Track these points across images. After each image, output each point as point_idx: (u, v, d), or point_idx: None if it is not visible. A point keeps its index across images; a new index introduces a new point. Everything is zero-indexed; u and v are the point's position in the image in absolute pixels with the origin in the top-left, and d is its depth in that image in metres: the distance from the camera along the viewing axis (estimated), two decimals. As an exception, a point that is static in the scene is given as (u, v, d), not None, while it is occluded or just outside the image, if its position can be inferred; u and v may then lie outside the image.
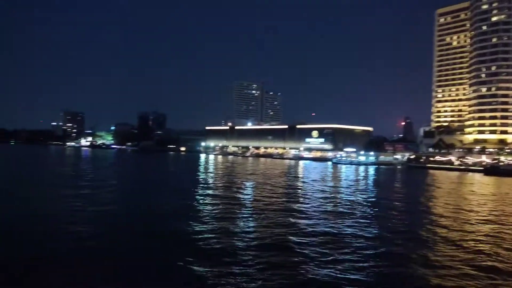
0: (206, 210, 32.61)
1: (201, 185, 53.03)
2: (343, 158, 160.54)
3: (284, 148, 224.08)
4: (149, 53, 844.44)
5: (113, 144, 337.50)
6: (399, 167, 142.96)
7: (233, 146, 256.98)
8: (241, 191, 46.86)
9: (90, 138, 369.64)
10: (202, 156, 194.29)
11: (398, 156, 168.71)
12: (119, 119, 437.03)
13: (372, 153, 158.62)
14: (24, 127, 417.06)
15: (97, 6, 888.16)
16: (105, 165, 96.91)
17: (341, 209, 35.07)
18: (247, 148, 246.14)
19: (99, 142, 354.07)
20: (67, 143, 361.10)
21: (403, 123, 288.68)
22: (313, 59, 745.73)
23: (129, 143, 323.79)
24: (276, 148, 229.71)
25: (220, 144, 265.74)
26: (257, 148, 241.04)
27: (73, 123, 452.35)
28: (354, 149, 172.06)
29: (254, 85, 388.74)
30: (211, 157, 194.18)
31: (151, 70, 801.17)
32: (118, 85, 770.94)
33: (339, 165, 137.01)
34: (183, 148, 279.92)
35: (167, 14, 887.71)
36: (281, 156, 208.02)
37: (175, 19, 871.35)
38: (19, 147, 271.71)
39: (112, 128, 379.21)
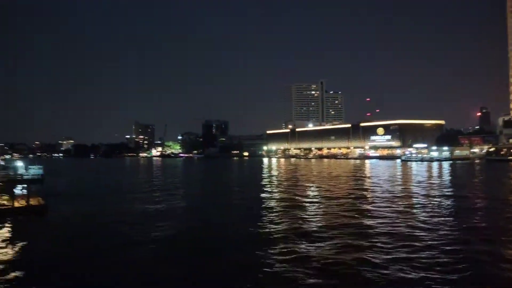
0: (273, 219, 32.72)
1: (268, 189, 53.44)
2: (413, 155, 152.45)
3: (348, 148, 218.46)
4: (207, 60, 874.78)
5: (181, 153, 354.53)
6: (477, 161, 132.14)
7: (295, 149, 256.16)
8: (307, 193, 46.41)
9: (160, 149, 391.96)
10: (265, 160, 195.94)
11: (476, 150, 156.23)
12: (185, 128, 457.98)
13: (445, 148, 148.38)
14: (101, 141, 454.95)
15: (162, 23, 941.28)
16: (177, 172, 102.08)
17: (416, 218, 33.16)
18: (309, 149, 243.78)
19: (168, 151, 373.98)
20: (140, 154, 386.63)
21: (479, 114, 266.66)
22: (376, 56, 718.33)
23: (195, 151, 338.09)
24: (339, 148, 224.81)
25: (282, 147, 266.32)
26: (320, 149, 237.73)
27: (144, 135, 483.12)
28: (425, 145, 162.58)
29: (313, 86, 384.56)
30: (274, 160, 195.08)
31: (210, 78, 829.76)
32: (182, 95, 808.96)
33: (409, 163, 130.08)
34: (246, 153, 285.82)
35: (225, 19, 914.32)
36: (345, 156, 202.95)
37: (232, 24, 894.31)
38: (99, 160, 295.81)
39: (179, 137, 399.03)
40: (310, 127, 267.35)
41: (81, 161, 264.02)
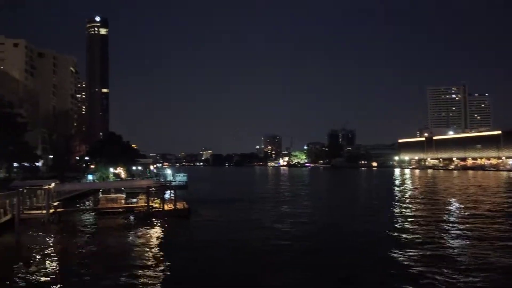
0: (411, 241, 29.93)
1: (407, 207, 49.52)
2: None
3: (499, 158, 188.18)
4: (331, 67, 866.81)
5: (306, 163, 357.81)
6: None
7: (432, 159, 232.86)
8: (452, 214, 41.30)
9: (286, 158, 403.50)
10: (397, 171, 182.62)
11: None
12: (311, 138, 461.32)
13: None
14: (234, 151, 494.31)
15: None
16: (304, 181, 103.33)
17: None
18: (450, 160, 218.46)
19: (295, 161, 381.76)
20: (268, 164, 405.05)
21: None
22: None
23: (321, 161, 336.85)
24: (487, 158, 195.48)
25: (416, 157, 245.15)
26: (463, 159, 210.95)
27: (272, 145, 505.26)
28: None
29: (454, 89, 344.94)
30: (407, 171, 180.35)
31: (335, 86, 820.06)
32: (307, 104, 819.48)
33: None
34: (374, 164, 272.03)
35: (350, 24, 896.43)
36: (495, 168, 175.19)
37: (361, 24, 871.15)
38: (232, 169, 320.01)
39: (305, 147, 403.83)
40: (451, 134, 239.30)
41: (218, 169, 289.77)
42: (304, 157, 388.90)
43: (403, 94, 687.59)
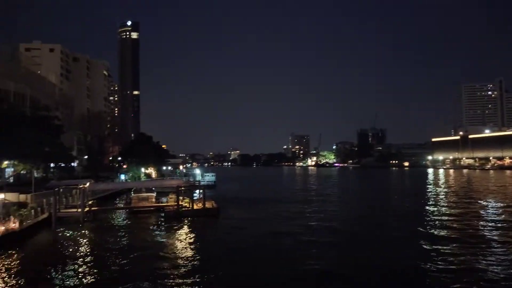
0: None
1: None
2: None
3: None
4: (360, 65, 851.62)
5: (335, 162, 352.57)
6: None
7: (467, 158, 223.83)
8: (487, 215, 39.46)
9: (314, 158, 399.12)
10: (430, 171, 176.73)
11: None
12: (340, 137, 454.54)
13: None
14: (262, 151, 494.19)
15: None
16: (333, 182, 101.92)
17: None
18: (487, 159, 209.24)
19: (323, 161, 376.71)
20: (296, 164, 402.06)
21: None
22: None
23: (350, 161, 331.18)
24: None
25: (451, 157, 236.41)
26: (500, 158, 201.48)
27: (300, 145, 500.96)
28: None
29: (490, 85, 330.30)
30: (441, 171, 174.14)
31: (364, 84, 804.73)
32: (336, 105, 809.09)
33: None
34: (406, 163, 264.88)
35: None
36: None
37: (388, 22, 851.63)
38: (260, 169, 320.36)
39: (334, 146, 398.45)
40: (487, 133, 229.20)
41: (246, 169, 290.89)
42: (333, 157, 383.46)
43: (435, 92, 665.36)
